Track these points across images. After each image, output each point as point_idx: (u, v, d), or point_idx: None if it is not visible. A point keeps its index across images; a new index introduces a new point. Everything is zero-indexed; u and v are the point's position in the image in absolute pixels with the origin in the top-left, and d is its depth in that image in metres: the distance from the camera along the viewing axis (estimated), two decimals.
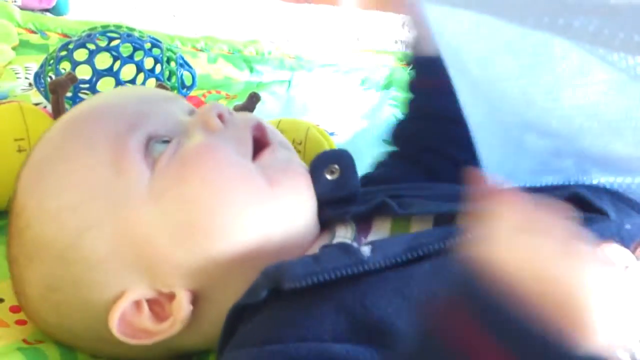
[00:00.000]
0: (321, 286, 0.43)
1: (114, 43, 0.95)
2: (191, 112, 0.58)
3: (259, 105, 0.83)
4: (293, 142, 0.78)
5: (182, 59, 1.01)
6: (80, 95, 0.92)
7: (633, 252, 0.42)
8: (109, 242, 0.50)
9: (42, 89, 0.94)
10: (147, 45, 0.97)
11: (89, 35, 0.95)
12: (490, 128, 0.57)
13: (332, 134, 0.99)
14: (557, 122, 0.52)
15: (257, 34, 1.43)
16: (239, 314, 0.47)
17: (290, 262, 0.46)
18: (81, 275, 0.50)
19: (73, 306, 0.52)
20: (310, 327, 0.41)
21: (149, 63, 0.97)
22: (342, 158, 0.56)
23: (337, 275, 0.43)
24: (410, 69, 0.68)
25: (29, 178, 0.53)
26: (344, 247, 0.46)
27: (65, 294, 0.52)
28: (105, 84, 0.93)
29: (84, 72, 0.91)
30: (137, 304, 0.50)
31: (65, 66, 0.92)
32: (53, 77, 0.90)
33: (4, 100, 0.91)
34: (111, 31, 0.97)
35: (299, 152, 0.77)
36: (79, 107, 0.58)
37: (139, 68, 0.95)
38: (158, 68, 0.97)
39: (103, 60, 0.94)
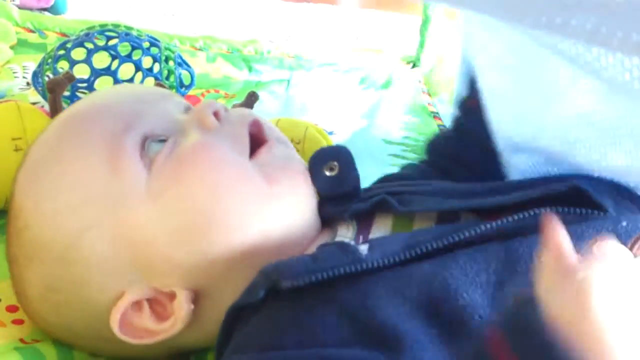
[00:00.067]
0: (320, 286, 0.43)
1: (112, 42, 0.95)
2: (187, 110, 0.57)
3: (257, 105, 0.83)
4: (292, 141, 0.78)
5: (181, 58, 1.01)
6: (78, 94, 0.92)
7: (630, 248, 0.41)
8: (107, 242, 0.49)
9: (39, 88, 0.94)
10: (146, 45, 0.97)
11: (87, 34, 0.95)
12: None
13: (331, 133, 0.99)
14: (551, 138, 0.51)
15: (256, 33, 1.43)
16: (237, 314, 0.46)
17: (288, 261, 0.46)
18: (81, 276, 0.50)
19: (73, 306, 0.52)
20: (312, 329, 0.41)
21: (147, 62, 0.96)
22: (341, 154, 0.56)
23: (335, 274, 0.43)
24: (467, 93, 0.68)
25: (26, 179, 0.53)
26: (341, 246, 0.46)
27: (65, 294, 0.51)
28: (103, 83, 0.92)
29: (81, 71, 0.91)
30: (137, 304, 0.50)
31: (63, 65, 0.92)
32: (51, 76, 0.90)
33: (1, 100, 0.90)
34: (109, 30, 0.97)
35: (297, 151, 0.76)
36: (75, 107, 0.58)
37: (137, 67, 0.95)
38: (156, 67, 0.97)
39: (101, 59, 0.94)
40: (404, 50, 1.38)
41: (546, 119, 0.51)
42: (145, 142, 0.52)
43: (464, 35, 0.69)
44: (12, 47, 1.16)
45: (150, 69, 0.96)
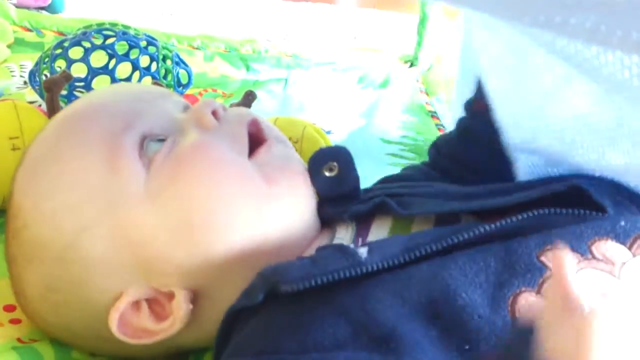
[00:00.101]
0: (319, 289, 0.43)
1: (110, 41, 0.95)
2: (186, 108, 0.57)
3: (255, 104, 0.83)
4: (289, 140, 0.78)
5: (178, 57, 1.01)
6: (75, 93, 0.92)
7: (629, 248, 0.42)
8: (106, 242, 0.49)
9: (37, 87, 0.94)
10: (143, 43, 0.97)
11: (84, 33, 0.95)
12: None
13: (328, 132, 0.99)
14: (550, 139, 0.51)
15: (254, 32, 1.43)
16: (235, 317, 0.46)
17: (287, 263, 0.46)
18: (80, 276, 0.50)
19: (72, 306, 0.52)
20: (310, 332, 0.41)
21: (144, 61, 0.96)
22: (340, 155, 0.56)
23: (334, 278, 0.43)
24: (476, 96, 0.68)
25: (25, 178, 0.53)
26: (340, 249, 0.46)
27: (64, 294, 0.51)
28: (101, 82, 0.92)
29: (79, 70, 0.91)
30: (136, 304, 0.50)
31: (61, 64, 0.92)
32: (48, 75, 0.90)
33: None
34: (107, 29, 0.97)
35: (295, 150, 0.76)
36: (73, 106, 0.57)
37: (135, 66, 0.95)
38: (154, 66, 0.97)
39: (98, 58, 0.94)
40: (402, 50, 1.38)
41: (544, 119, 0.51)
42: (143, 142, 0.51)
43: (466, 33, 0.69)
44: (9, 46, 1.16)
45: (148, 68, 0.96)
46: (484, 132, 0.61)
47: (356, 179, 0.55)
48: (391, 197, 0.52)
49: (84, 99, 0.59)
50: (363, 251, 0.45)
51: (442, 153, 0.69)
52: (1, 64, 1.10)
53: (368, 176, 0.63)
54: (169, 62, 0.98)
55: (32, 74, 0.95)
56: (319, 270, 0.43)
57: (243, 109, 0.61)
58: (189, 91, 1.04)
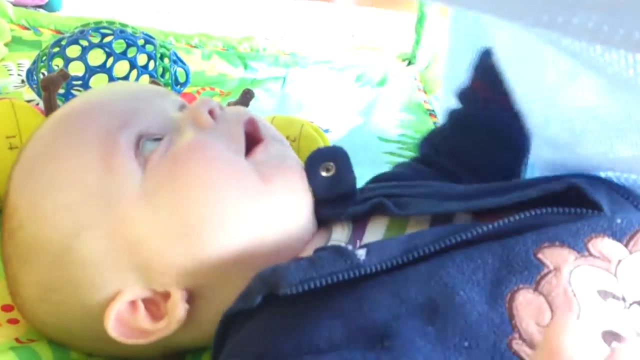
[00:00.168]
0: (316, 291, 0.43)
1: (107, 39, 0.95)
2: (182, 107, 0.57)
3: (253, 102, 0.83)
4: (287, 139, 0.77)
5: (176, 55, 1.01)
6: (73, 92, 0.92)
7: (625, 245, 0.42)
8: (102, 242, 0.49)
9: (34, 86, 0.94)
10: (141, 42, 0.97)
11: (81, 32, 0.95)
12: None
13: (326, 130, 0.99)
14: (559, 129, 0.51)
15: (252, 30, 1.43)
16: (232, 319, 0.46)
17: (285, 266, 0.45)
18: (76, 275, 0.50)
19: (69, 306, 0.51)
20: (306, 334, 0.41)
21: (142, 59, 0.96)
22: (337, 155, 0.56)
23: (333, 281, 0.42)
24: (475, 76, 0.68)
25: (20, 177, 0.53)
26: (338, 251, 0.46)
27: (60, 294, 0.51)
28: (98, 81, 0.92)
29: (76, 69, 0.91)
30: (132, 304, 0.50)
31: (58, 63, 0.92)
32: (45, 73, 0.90)
33: None
34: (104, 27, 0.97)
35: (292, 149, 0.76)
36: (70, 105, 0.57)
37: (132, 65, 0.95)
38: (151, 65, 0.97)
39: (96, 57, 0.94)
40: (400, 48, 1.38)
41: (555, 109, 0.51)
42: (140, 141, 0.51)
43: (454, 22, 0.69)
44: (6, 45, 1.16)
45: (146, 67, 0.96)
46: (481, 117, 0.61)
47: (353, 179, 0.55)
48: (388, 197, 0.52)
49: (80, 98, 0.59)
50: (361, 253, 0.44)
51: (437, 149, 0.69)
52: None
53: (366, 175, 0.63)
54: (166, 60, 0.98)
55: (29, 72, 0.95)
56: (318, 273, 0.43)
57: (240, 108, 0.61)
58: (186, 90, 1.04)
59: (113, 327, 0.49)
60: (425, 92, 1.24)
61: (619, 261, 0.41)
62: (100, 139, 0.51)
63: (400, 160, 0.95)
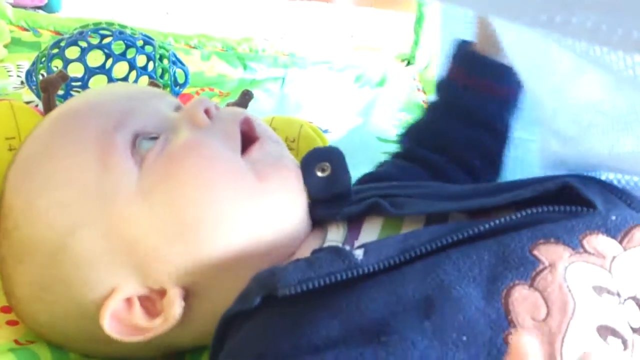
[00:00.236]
0: (315, 291, 0.43)
1: (106, 40, 0.95)
2: (178, 108, 0.57)
3: (252, 103, 0.83)
4: (286, 139, 0.78)
5: (175, 56, 1.01)
6: (72, 93, 0.92)
7: (620, 242, 0.42)
8: (98, 240, 0.49)
9: (33, 87, 0.94)
10: (140, 43, 0.97)
11: (81, 33, 0.95)
12: None
13: (325, 131, 0.99)
14: (566, 121, 0.52)
15: (251, 31, 1.43)
16: (231, 320, 0.46)
17: (283, 267, 0.45)
18: (72, 274, 0.50)
19: (64, 305, 0.51)
20: (305, 334, 0.41)
21: (141, 61, 0.96)
22: (332, 155, 0.56)
23: (331, 281, 0.43)
24: (453, 65, 0.69)
25: (16, 177, 0.53)
26: (336, 251, 0.46)
27: (56, 293, 0.51)
28: (97, 82, 0.92)
29: (76, 70, 0.91)
30: (128, 301, 0.50)
31: (57, 64, 0.92)
32: (45, 75, 0.90)
33: None
34: (103, 28, 0.97)
35: (292, 149, 0.76)
36: (66, 105, 0.57)
37: (132, 66, 0.95)
38: (151, 66, 0.97)
39: (95, 58, 0.94)
40: (399, 48, 1.38)
41: (562, 101, 0.51)
42: (136, 140, 0.51)
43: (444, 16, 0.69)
44: (5, 46, 1.16)
45: (145, 68, 0.96)
46: (461, 104, 0.62)
47: (348, 180, 0.55)
48: (384, 197, 0.52)
49: (77, 98, 0.59)
50: (359, 253, 0.44)
51: (419, 142, 0.70)
52: None
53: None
54: (165, 61, 0.98)
55: (29, 73, 0.95)
56: (316, 273, 0.43)
57: (236, 108, 0.61)
58: (186, 90, 1.04)
59: (109, 324, 0.49)
60: (424, 92, 1.24)
61: (614, 257, 0.41)
62: (97, 138, 0.51)
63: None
